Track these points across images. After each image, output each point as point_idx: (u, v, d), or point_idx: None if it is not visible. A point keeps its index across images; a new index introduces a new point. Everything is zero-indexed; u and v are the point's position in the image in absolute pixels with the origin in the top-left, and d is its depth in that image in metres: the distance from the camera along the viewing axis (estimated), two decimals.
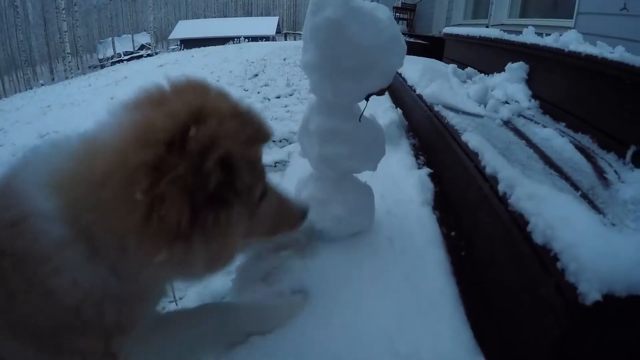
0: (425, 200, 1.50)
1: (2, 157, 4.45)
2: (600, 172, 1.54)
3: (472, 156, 1.35)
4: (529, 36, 2.77)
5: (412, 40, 7.83)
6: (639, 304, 0.71)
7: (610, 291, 0.72)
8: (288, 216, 0.95)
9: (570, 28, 3.19)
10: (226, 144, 0.61)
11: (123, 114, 0.66)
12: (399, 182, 1.63)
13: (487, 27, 5.47)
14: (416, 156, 2.10)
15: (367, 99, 1.18)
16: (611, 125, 1.92)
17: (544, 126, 1.96)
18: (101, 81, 10.24)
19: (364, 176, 1.53)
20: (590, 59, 2.08)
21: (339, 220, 1.23)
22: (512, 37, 2.92)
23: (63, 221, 0.60)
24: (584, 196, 1.24)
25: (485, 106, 2.05)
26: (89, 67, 35.48)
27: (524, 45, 2.71)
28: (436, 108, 1.95)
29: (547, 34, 2.63)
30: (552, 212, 0.85)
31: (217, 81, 5.58)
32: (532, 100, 2.49)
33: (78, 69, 31.30)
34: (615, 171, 1.62)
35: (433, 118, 1.94)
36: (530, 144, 1.64)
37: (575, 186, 1.30)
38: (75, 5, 31.77)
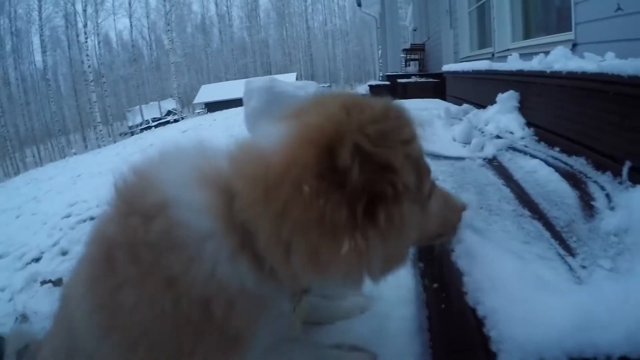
0: None
1: (34, 225, 4.70)
2: (587, 201, 1.46)
3: None
4: (514, 63, 2.74)
5: (422, 80, 7.92)
6: None
7: None
8: (453, 211, 0.93)
9: (571, 40, 3.15)
10: (385, 143, 0.61)
11: (274, 126, 0.67)
12: None
13: (492, 55, 5.47)
14: None
15: None
16: (604, 142, 1.82)
17: (533, 156, 1.89)
18: (129, 149, 10.64)
19: None
20: (571, 76, 2.02)
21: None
22: (499, 66, 2.91)
23: (210, 214, 0.60)
24: (557, 236, 1.17)
25: (470, 145, 2.02)
26: (120, 135, 37.34)
27: (510, 73, 2.69)
28: None
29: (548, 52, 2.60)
30: (482, 272, 0.81)
31: None
32: (526, 128, 2.42)
33: (109, 136, 33.21)
34: (607, 195, 1.52)
35: None
36: (510, 181, 1.58)
37: (549, 225, 1.23)
38: (102, 77, 34.48)
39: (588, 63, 1.97)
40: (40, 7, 36.72)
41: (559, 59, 2.30)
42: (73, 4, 35.59)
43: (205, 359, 0.62)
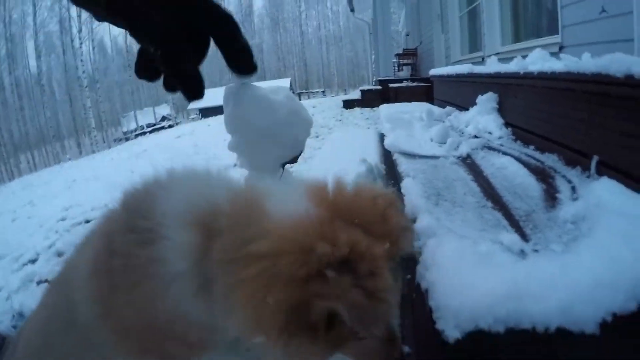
0: None
1: (30, 228, 4.76)
2: (552, 193, 1.53)
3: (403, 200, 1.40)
4: (492, 66, 2.84)
5: (413, 84, 8.02)
6: (501, 340, 0.72)
7: (477, 327, 0.73)
8: None
9: (558, 43, 3.24)
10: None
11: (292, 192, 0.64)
12: None
13: (482, 58, 5.57)
14: None
15: (282, 166, 1.30)
16: (574, 139, 1.90)
17: (505, 154, 1.97)
18: (123, 155, 10.59)
19: None
20: (542, 76, 2.10)
21: None
22: (480, 69, 3.00)
23: (188, 256, 0.63)
24: (514, 224, 1.24)
25: (445, 145, 2.09)
26: (114, 140, 36.87)
27: (489, 75, 2.77)
28: (394, 156, 2.02)
29: None
30: (429, 252, 0.88)
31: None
32: (504, 128, 2.50)
33: (104, 142, 32.85)
34: (573, 187, 1.60)
35: (393, 165, 2.01)
36: (479, 177, 1.66)
37: (508, 215, 1.31)
38: (97, 82, 34.09)
39: (559, 63, 2.05)
40: (34, 12, 36.66)
41: (536, 60, 2.38)
42: (68, 10, 35.55)
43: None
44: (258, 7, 58.99)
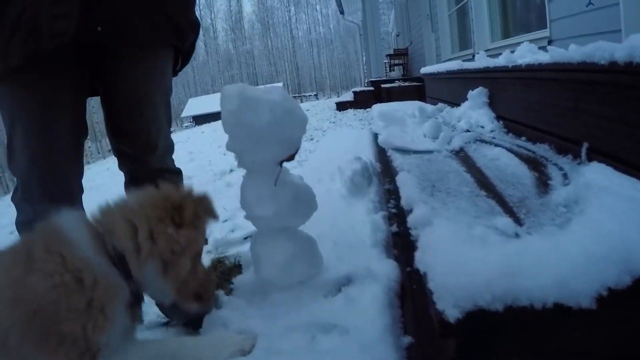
0: (375, 242, 1.56)
1: None
2: (544, 181, 1.57)
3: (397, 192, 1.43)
4: (481, 61, 2.88)
5: (405, 84, 8.07)
6: (500, 317, 0.75)
7: (476, 306, 0.76)
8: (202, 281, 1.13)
9: (547, 37, 3.29)
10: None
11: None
12: (356, 229, 1.70)
13: (473, 55, 5.61)
14: (387, 200, 2.18)
15: (280, 164, 1.33)
16: (564, 128, 1.94)
17: (497, 145, 2.01)
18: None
19: (324, 228, 1.64)
20: (529, 68, 2.14)
21: (280, 269, 1.35)
22: (469, 65, 3.04)
23: (89, 242, 0.95)
24: (508, 210, 1.27)
25: (438, 140, 2.13)
26: (109, 151, 37.06)
27: (478, 70, 2.82)
28: (388, 152, 2.05)
29: None
30: (426, 238, 0.91)
31: (224, 154, 5.88)
32: (496, 121, 2.54)
33: (98, 152, 32.67)
34: (565, 174, 1.63)
35: (388, 162, 2.04)
36: (472, 168, 1.69)
37: (502, 202, 1.34)
38: None
39: (546, 55, 2.10)
40: None
41: (525, 54, 2.42)
42: None
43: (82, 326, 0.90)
44: (248, 13, 59.15)
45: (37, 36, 1.16)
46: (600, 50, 1.54)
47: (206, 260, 2.04)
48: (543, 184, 1.54)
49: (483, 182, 1.52)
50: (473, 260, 0.78)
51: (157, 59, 1.42)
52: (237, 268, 1.95)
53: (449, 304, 0.75)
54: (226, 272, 1.93)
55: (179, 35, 1.42)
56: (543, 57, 2.05)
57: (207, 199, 1.11)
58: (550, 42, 3.25)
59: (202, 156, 6.24)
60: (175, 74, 1.58)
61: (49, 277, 0.88)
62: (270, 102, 1.24)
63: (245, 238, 2.14)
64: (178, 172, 1.63)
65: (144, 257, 0.96)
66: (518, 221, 1.20)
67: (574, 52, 1.73)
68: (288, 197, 1.32)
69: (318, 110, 10.32)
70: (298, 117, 1.29)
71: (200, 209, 1.07)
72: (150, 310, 1.54)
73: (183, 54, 1.54)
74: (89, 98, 1.49)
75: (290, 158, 1.34)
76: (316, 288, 1.39)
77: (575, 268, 0.83)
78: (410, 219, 1.12)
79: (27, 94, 1.25)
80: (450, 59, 7.08)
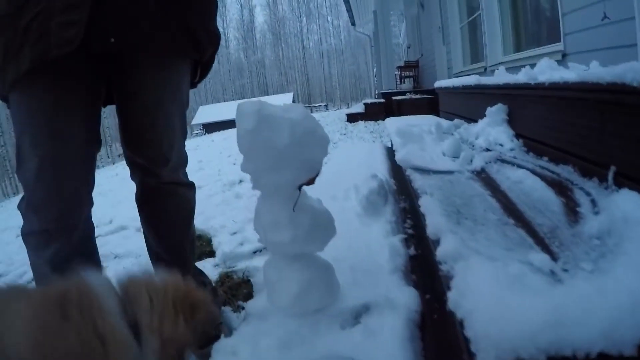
0: (394, 268, 1.49)
1: None
2: (572, 207, 1.49)
3: (422, 218, 1.37)
4: (501, 76, 2.82)
5: (416, 97, 8.03)
6: None
7: (518, 358, 0.69)
8: None
9: (561, 51, 3.23)
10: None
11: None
12: (373, 252, 1.63)
13: (485, 69, 5.56)
14: (404, 220, 2.11)
15: (299, 188, 1.26)
16: (589, 149, 1.87)
17: (520, 166, 1.94)
18: (127, 170, 10.59)
19: (339, 250, 1.58)
20: (554, 86, 2.08)
21: (295, 297, 1.29)
22: (488, 80, 2.98)
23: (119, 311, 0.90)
24: (540, 242, 1.20)
25: (459, 159, 2.06)
26: (119, 156, 37.24)
27: (498, 86, 2.75)
28: (407, 172, 1.99)
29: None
30: (462, 277, 0.84)
31: (234, 164, 5.84)
32: (515, 140, 2.47)
33: (108, 157, 32.88)
34: (593, 200, 1.56)
35: (407, 182, 1.97)
36: (496, 192, 1.62)
37: (532, 232, 1.27)
38: None
39: (571, 73, 2.03)
40: None
41: (545, 70, 2.36)
42: None
43: None
44: (260, 23, 59.74)
45: (46, 42, 1.13)
46: (632, 72, 1.48)
47: (214, 274, 1.99)
48: (572, 211, 1.46)
49: (510, 208, 1.45)
50: (516, 307, 0.72)
51: (174, 70, 1.38)
52: (245, 283, 1.89)
53: (491, 356, 0.68)
54: (234, 287, 1.87)
55: (197, 47, 1.38)
56: (567, 75, 1.98)
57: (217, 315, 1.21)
58: (564, 56, 3.19)
59: (211, 165, 6.20)
60: (194, 85, 1.54)
61: (78, 335, 0.87)
62: (290, 121, 1.18)
63: (255, 252, 2.08)
64: (190, 186, 1.59)
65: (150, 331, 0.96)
66: (552, 255, 1.12)
67: (603, 72, 1.66)
68: (306, 223, 1.26)
69: (329, 122, 10.29)
70: (319, 138, 1.22)
71: (209, 321, 1.07)
72: None
73: (202, 65, 1.50)
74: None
75: (311, 182, 1.27)
76: (333, 317, 1.33)
77: (622, 316, 0.76)
78: (440, 252, 1.06)
79: (36, 101, 1.21)
80: (461, 72, 7.04)
